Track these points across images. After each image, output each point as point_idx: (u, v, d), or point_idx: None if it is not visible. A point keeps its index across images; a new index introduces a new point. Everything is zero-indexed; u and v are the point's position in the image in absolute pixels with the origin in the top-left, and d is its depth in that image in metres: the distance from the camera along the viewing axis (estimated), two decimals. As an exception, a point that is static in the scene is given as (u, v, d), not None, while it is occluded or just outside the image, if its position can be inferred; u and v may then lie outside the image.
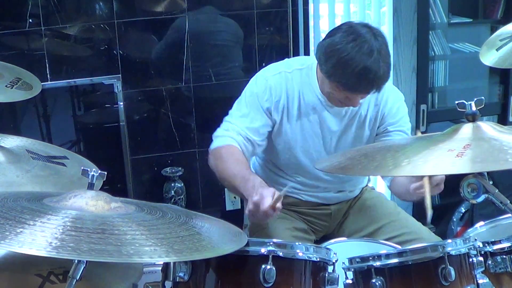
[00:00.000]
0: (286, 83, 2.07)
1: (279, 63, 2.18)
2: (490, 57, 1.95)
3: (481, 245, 1.62)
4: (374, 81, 1.86)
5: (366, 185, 2.35)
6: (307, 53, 3.22)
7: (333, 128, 2.10)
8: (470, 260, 1.51)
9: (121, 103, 3.05)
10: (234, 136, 2.03)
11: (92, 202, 1.28)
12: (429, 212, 1.79)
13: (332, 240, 1.96)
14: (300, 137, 2.10)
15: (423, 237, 2.06)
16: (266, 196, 1.73)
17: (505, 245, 1.63)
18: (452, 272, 1.44)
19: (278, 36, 3.21)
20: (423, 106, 3.39)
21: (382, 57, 1.86)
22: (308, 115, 2.08)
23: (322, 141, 2.11)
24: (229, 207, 3.32)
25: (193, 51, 3.09)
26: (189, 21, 3.05)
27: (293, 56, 3.20)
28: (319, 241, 2.23)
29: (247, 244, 1.42)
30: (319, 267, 1.50)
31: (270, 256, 1.42)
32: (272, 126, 2.09)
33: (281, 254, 1.44)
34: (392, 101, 2.13)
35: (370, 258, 1.49)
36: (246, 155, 2.06)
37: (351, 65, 1.84)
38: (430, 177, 1.81)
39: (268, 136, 2.10)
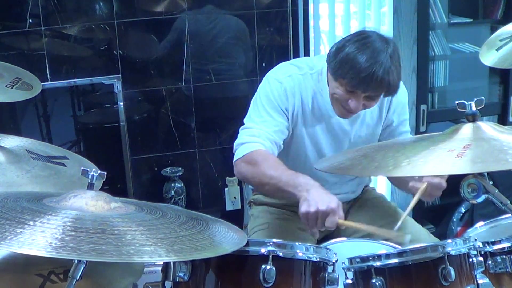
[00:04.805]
0: (299, 86, 2.05)
1: (288, 64, 2.14)
2: (490, 57, 1.94)
3: (481, 245, 1.61)
4: (382, 80, 1.83)
5: (367, 185, 2.35)
6: (307, 53, 3.22)
7: (346, 129, 2.10)
8: (470, 260, 1.51)
9: (121, 103, 3.05)
10: (262, 142, 1.97)
11: (92, 202, 1.28)
12: (402, 217, 1.84)
13: (332, 240, 1.95)
14: (313, 140, 2.09)
15: (422, 239, 2.06)
16: (338, 208, 1.70)
17: (505, 245, 1.63)
18: (452, 272, 1.44)
19: (278, 36, 3.21)
20: (423, 106, 3.39)
21: (392, 60, 1.84)
22: (320, 120, 2.07)
23: (335, 143, 2.11)
24: (229, 207, 3.33)
25: (193, 51, 3.09)
26: (189, 21, 3.06)
27: (293, 56, 3.21)
28: (320, 240, 2.23)
29: (247, 244, 1.42)
30: (319, 267, 1.49)
31: (270, 256, 1.42)
32: (290, 127, 2.07)
33: (281, 254, 1.43)
34: (403, 98, 2.16)
35: (370, 258, 1.49)
36: None
37: (359, 60, 1.82)
38: (428, 185, 1.85)
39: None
